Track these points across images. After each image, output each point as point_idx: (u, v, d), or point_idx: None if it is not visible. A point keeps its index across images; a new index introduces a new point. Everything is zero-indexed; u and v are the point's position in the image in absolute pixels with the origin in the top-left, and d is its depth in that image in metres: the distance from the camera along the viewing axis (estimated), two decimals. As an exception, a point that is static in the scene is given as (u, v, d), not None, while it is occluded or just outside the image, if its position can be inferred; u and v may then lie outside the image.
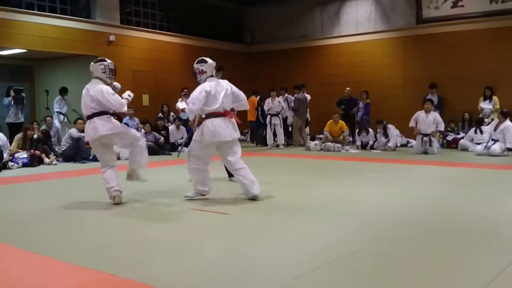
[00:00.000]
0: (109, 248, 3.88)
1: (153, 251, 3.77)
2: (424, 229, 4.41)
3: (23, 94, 12.11)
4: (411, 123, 11.58)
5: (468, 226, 4.51)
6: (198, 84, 5.84)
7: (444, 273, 3.21)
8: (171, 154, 11.76)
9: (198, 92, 5.68)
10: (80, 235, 4.33)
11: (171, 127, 13.02)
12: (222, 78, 6.24)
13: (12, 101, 11.86)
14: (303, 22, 16.97)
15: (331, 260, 3.46)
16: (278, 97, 13.53)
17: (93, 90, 5.54)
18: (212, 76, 5.86)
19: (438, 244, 3.91)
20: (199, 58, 5.94)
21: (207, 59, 5.92)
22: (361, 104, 13.95)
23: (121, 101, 5.59)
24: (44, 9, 12.67)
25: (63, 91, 12.72)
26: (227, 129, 5.69)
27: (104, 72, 5.62)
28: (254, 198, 5.66)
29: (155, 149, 11.60)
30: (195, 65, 5.87)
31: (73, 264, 3.43)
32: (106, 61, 5.68)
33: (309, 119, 14.18)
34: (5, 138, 10.54)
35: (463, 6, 13.76)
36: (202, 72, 5.81)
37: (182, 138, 12.96)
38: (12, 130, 11.58)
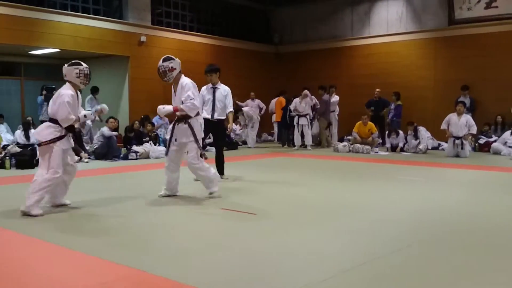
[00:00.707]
0: (141, 246, 3.93)
1: (183, 250, 3.80)
2: (456, 233, 4.32)
3: (55, 92, 12.35)
4: (443, 126, 11.37)
5: (500, 230, 4.40)
6: (166, 82, 5.90)
7: (475, 279, 3.15)
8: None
9: (194, 89, 5.77)
10: (113, 233, 4.39)
11: None
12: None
13: (44, 100, 12.12)
14: (332, 23, 16.87)
15: (359, 264, 3.42)
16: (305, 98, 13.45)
17: (56, 94, 5.27)
18: (180, 72, 5.88)
19: (470, 249, 3.83)
20: (165, 56, 5.86)
21: (173, 56, 5.86)
22: (392, 106, 13.78)
23: (67, 115, 5.10)
24: (77, 10, 12.91)
25: (94, 91, 12.93)
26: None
27: (78, 77, 5.26)
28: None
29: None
30: (164, 63, 5.75)
31: (107, 260, 3.49)
32: (81, 65, 5.29)
33: (331, 121, 14.12)
34: (39, 135, 10.80)
35: (496, 7, 13.45)
36: (172, 69, 5.76)
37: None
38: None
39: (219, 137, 7.82)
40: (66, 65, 5.33)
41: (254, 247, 3.85)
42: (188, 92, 5.71)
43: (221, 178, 7.40)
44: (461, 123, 11.11)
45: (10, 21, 11.36)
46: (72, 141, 5.34)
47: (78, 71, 5.26)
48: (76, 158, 9.86)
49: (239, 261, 3.50)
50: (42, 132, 5.17)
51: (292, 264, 3.42)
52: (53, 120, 5.21)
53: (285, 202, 5.69)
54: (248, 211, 5.12)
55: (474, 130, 11.19)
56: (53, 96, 5.33)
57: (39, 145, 5.16)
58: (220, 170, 7.54)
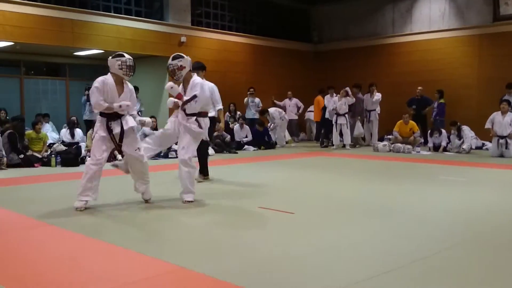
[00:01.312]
0: (180, 243, 3.99)
1: (218, 247, 3.83)
2: (499, 234, 4.20)
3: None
4: (487, 125, 11.03)
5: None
6: (176, 81, 5.72)
7: (523, 283, 3.05)
8: (237, 153, 11.91)
9: (201, 90, 5.63)
10: (149, 228, 4.48)
11: (236, 126, 13.20)
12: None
13: (87, 99, 12.45)
14: (373, 20, 16.63)
15: (400, 265, 3.36)
16: (334, 96, 13.32)
17: None
18: (190, 71, 5.74)
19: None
20: (175, 54, 5.70)
21: (183, 54, 5.71)
22: (435, 104, 13.47)
23: (95, 100, 5.26)
24: (120, 12, 13.22)
25: (135, 90, 13.20)
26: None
27: (120, 68, 5.31)
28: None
29: (221, 147, 11.84)
30: (173, 62, 5.62)
31: (149, 256, 3.56)
32: (124, 56, 5.35)
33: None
34: (83, 134, 11.13)
35: (545, 1, 12.96)
36: (181, 67, 5.61)
37: (246, 137, 13.11)
38: (88, 126, 12.19)
39: None
40: (110, 57, 5.46)
41: (292, 246, 3.85)
42: (196, 92, 5.58)
43: (203, 179, 7.14)
44: (505, 122, 10.75)
45: (56, 23, 11.74)
46: (118, 129, 5.30)
47: (120, 62, 5.32)
48: (119, 156, 10.14)
49: (277, 260, 3.50)
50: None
51: (331, 265, 3.39)
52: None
53: (323, 202, 5.65)
54: (286, 210, 5.12)
55: None
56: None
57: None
58: (203, 170, 7.23)
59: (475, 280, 3.10)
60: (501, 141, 10.73)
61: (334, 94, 13.31)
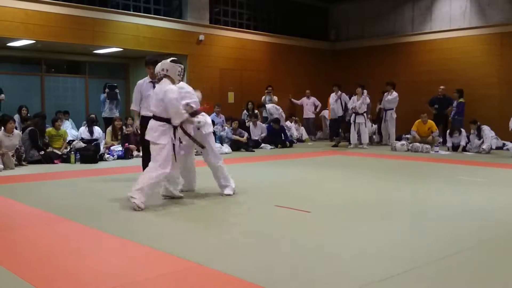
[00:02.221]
0: (196, 240, 4.01)
1: (235, 244, 3.84)
2: (521, 237, 4.14)
3: (117, 90, 12.79)
4: (511, 125, 10.82)
5: None
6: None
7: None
8: (254, 151, 11.92)
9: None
10: (166, 225, 4.51)
11: (250, 124, 13.19)
12: None
13: (107, 97, 12.57)
14: (392, 18, 16.48)
15: (418, 265, 3.34)
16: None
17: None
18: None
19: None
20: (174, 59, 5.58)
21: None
22: (454, 104, 13.30)
23: (178, 110, 5.24)
24: (139, 10, 13.31)
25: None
26: None
27: (179, 74, 5.46)
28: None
29: (239, 145, 11.88)
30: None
31: (164, 252, 3.59)
32: (181, 63, 5.54)
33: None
34: (101, 131, 11.24)
35: None
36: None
37: (261, 133, 13.11)
38: (107, 124, 12.29)
39: None
40: (168, 60, 5.43)
41: (308, 245, 3.84)
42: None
43: None
44: (526, 121, 10.58)
45: (76, 21, 11.88)
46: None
47: (180, 69, 5.44)
48: (135, 153, 10.21)
49: (293, 258, 3.50)
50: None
51: (348, 263, 3.38)
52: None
53: (339, 201, 5.63)
54: (302, 209, 5.11)
55: None
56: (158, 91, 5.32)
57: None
58: None
59: (492, 282, 3.06)
60: (522, 140, 10.56)
61: (339, 92, 13.27)
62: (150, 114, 5.48)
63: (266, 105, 14.09)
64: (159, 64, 5.47)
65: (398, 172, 8.46)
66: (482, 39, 14.40)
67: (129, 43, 12.90)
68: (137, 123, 6.95)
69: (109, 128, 10.85)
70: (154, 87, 6.24)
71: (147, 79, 6.84)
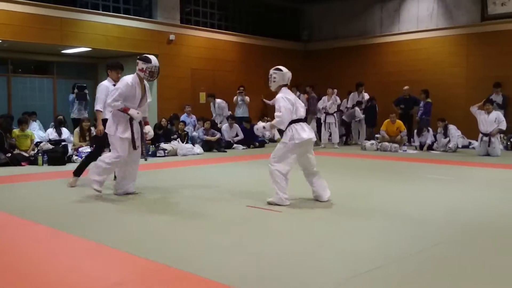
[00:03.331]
0: (165, 241, 3.99)
1: (206, 245, 3.84)
2: (484, 233, 4.25)
3: (86, 91, 12.62)
4: (472, 109, 11.17)
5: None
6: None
7: (503, 279, 3.09)
8: (226, 151, 11.91)
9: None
10: (137, 227, 4.48)
11: (225, 126, 13.14)
12: None
13: (76, 98, 12.39)
14: (362, 19, 16.70)
15: (386, 263, 3.40)
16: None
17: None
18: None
19: (498, 249, 3.76)
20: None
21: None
22: (421, 104, 13.57)
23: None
24: (108, 9, 13.15)
25: None
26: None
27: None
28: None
29: (211, 146, 11.85)
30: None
31: (131, 254, 3.56)
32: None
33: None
34: (70, 133, 11.07)
35: (532, 1, 13.10)
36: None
37: (236, 135, 13.10)
38: (76, 125, 12.11)
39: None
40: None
41: (278, 244, 3.87)
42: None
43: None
44: (490, 119, 10.87)
45: (43, 21, 11.67)
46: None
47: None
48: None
49: (264, 258, 3.52)
50: None
51: (318, 262, 3.42)
52: None
53: (310, 200, 5.68)
54: (273, 209, 5.14)
55: (503, 126, 10.88)
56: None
57: None
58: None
59: (459, 278, 3.14)
60: (485, 138, 10.84)
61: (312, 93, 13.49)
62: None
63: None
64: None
65: (367, 171, 8.59)
66: (449, 40, 14.72)
67: (98, 43, 12.74)
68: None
69: (77, 129, 10.70)
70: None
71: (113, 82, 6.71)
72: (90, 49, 13.00)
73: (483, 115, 10.98)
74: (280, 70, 5.59)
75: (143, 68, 5.73)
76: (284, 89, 5.58)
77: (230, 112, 13.81)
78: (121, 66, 6.85)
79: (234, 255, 3.59)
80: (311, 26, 18.21)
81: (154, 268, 3.30)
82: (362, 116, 13.89)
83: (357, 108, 13.86)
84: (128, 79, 5.76)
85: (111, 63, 7.01)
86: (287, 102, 5.43)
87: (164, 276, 3.18)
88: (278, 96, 5.49)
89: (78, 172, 6.84)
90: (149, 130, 6.01)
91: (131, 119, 5.73)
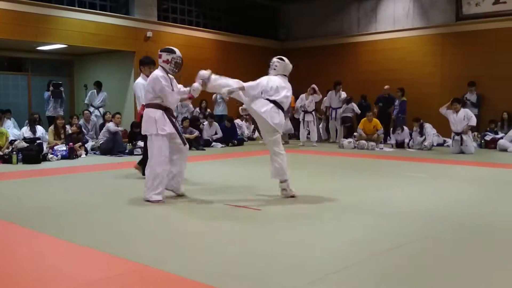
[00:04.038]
0: (143, 241, 3.97)
1: (185, 245, 3.83)
2: (459, 229, 4.33)
3: (62, 88, 12.43)
4: (441, 110, 11.34)
5: (503, 227, 4.40)
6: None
7: (478, 274, 3.16)
8: (204, 149, 11.88)
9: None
10: (115, 227, 4.44)
11: (205, 124, 13.11)
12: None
13: (51, 95, 12.20)
14: (339, 19, 16.82)
15: (363, 259, 3.45)
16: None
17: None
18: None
19: (474, 245, 3.84)
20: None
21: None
22: (396, 102, 13.75)
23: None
24: (84, 6, 12.96)
25: (98, 85, 13.08)
26: None
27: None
28: None
29: (190, 143, 11.76)
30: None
31: (107, 254, 3.53)
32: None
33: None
34: (45, 131, 10.89)
35: (505, 2, 13.36)
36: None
37: (215, 133, 13.07)
38: (51, 123, 11.92)
39: None
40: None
41: (258, 242, 3.88)
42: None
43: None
44: (458, 118, 11.07)
45: (18, 17, 11.44)
46: None
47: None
48: (79, 153, 9.96)
49: (242, 257, 3.52)
50: None
51: (297, 260, 3.44)
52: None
53: (289, 198, 5.70)
54: (253, 207, 5.15)
55: (473, 121, 11.08)
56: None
57: None
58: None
59: (430, 275, 3.20)
60: (457, 137, 11.05)
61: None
62: None
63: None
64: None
65: (344, 169, 8.67)
66: (425, 40, 14.93)
67: (74, 40, 12.55)
68: None
69: (51, 127, 10.54)
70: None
71: None
72: (66, 45, 12.81)
73: (452, 114, 11.18)
74: (283, 60, 5.90)
75: (168, 60, 5.52)
76: (284, 78, 5.83)
77: (195, 109, 13.64)
78: (153, 62, 6.92)
79: (213, 254, 3.59)
80: (289, 25, 18.26)
81: (132, 268, 3.28)
82: (358, 111, 14.02)
83: (354, 104, 14.02)
84: (158, 73, 5.50)
85: (143, 59, 7.12)
86: (274, 82, 5.71)
87: (142, 275, 3.16)
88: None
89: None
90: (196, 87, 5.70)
91: (169, 114, 5.50)
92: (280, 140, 5.74)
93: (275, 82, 5.74)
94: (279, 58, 5.89)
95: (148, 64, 6.96)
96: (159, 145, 5.35)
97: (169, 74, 5.60)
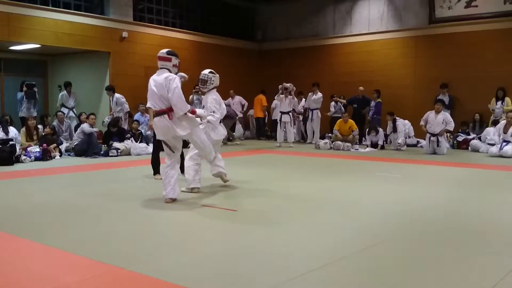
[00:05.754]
0: (117, 242, 3.95)
1: (162, 246, 3.82)
2: (431, 229, 4.42)
3: (35, 89, 12.24)
4: (421, 123, 11.56)
5: (475, 227, 4.51)
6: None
7: (450, 274, 3.23)
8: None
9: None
10: (90, 228, 4.40)
11: None
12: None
13: (24, 96, 12.00)
14: (315, 21, 16.95)
15: (338, 258, 3.49)
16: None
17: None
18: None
19: (445, 244, 3.92)
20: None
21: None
22: (372, 103, 13.94)
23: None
24: (59, 5, 12.78)
25: (66, 85, 12.90)
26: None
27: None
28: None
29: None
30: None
31: (83, 257, 3.50)
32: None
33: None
34: (17, 132, 10.70)
35: (476, 6, 13.67)
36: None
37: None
38: (24, 124, 11.73)
39: None
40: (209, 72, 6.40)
41: (234, 243, 3.90)
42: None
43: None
44: (438, 120, 11.29)
45: (-11, 16, 11.23)
46: None
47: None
48: (53, 154, 9.81)
49: (218, 257, 3.54)
50: None
51: (271, 260, 3.46)
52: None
53: (265, 199, 5.74)
54: (229, 208, 5.16)
55: (451, 127, 11.34)
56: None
57: None
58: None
59: (402, 274, 3.27)
60: (433, 138, 11.26)
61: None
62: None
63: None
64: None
65: (320, 170, 8.75)
66: (399, 42, 15.16)
67: (48, 39, 12.37)
68: None
69: (23, 129, 10.38)
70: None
71: None
72: (39, 45, 12.61)
73: (432, 116, 11.38)
74: (215, 73, 6.41)
75: (176, 64, 5.76)
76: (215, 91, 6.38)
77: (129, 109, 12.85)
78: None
79: (188, 255, 3.59)
80: (265, 26, 18.33)
81: (107, 270, 3.26)
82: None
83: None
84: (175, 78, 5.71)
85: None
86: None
87: (117, 277, 3.15)
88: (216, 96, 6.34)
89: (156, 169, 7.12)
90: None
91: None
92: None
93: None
94: (212, 72, 6.47)
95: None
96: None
97: None
